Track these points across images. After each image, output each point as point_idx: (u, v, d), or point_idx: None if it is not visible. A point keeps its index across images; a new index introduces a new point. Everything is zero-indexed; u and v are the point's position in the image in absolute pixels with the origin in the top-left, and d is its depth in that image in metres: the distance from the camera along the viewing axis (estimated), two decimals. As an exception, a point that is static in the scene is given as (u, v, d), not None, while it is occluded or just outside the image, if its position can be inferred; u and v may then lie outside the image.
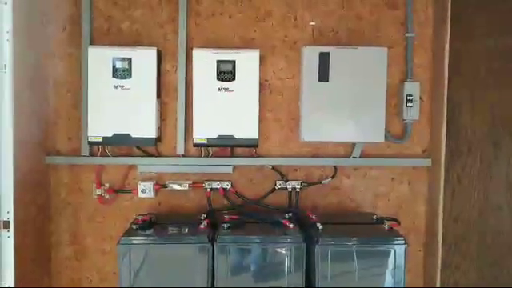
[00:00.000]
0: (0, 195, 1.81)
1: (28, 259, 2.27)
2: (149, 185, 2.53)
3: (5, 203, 1.81)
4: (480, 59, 2.67)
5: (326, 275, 2.16)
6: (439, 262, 2.55)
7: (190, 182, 2.58)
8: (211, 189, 2.57)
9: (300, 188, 2.59)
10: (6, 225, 1.82)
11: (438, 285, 2.56)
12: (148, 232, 2.25)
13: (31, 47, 2.33)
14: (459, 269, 2.73)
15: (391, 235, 2.24)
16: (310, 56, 2.44)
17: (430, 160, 2.62)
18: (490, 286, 2.73)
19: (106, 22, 2.53)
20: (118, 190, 2.58)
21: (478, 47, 2.66)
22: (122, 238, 2.16)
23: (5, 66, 1.78)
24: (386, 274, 2.19)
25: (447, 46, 2.48)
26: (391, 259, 2.17)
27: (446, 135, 2.52)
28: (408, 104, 2.55)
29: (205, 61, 2.40)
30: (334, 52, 2.43)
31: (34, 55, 2.39)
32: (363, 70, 2.44)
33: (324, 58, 2.42)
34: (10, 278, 1.82)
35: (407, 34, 2.59)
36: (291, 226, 2.27)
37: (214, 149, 2.54)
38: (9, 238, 1.83)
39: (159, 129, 2.52)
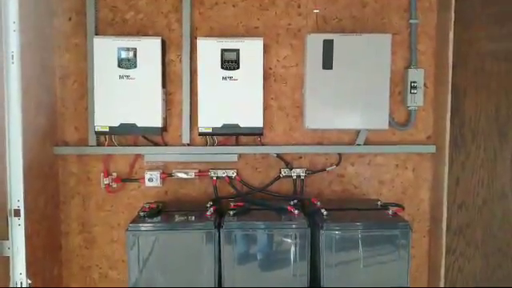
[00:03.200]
0: (10, 184, 1.84)
1: (39, 247, 2.32)
2: (155, 174, 2.56)
3: (15, 192, 1.84)
4: (485, 46, 2.66)
5: (330, 261, 2.18)
6: (444, 248, 2.56)
7: (196, 171, 2.60)
8: (217, 177, 2.59)
9: (305, 176, 2.61)
10: (17, 213, 1.85)
11: (442, 271, 2.57)
12: (155, 219, 2.28)
13: (38, 38, 2.35)
14: (464, 255, 2.75)
15: (395, 220, 2.26)
16: (314, 44, 2.44)
17: (434, 146, 2.62)
18: (492, 285, 2.75)
19: (110, 12, 2.54)
20: (125, 179, 2.61)
21: (483, 34, 2.65)
22: (130, 225, 2.19)
23: (12, 56, 1.79)
24: (390, 259, 2.21)
25: (451, 33, 2.46)
26: (395, 244, 2.19)
27: (451, 122, 2.52)
28: (412, 91, 2.55)
29: (209, 50, 2.41)
30: (338, 39, 2.43)
31: (41, 46, 2.41)
32: (367, 57, 2.43)
33: (328, 46, 2.42)
34: (21, 266, 1.85)
35: (411, 21, 2.58)
36: (296, 212, 2.29)
37: (219, 137, 2.57)
38: (20, 226, 1.86)
39: (165, 118, 2.54)
